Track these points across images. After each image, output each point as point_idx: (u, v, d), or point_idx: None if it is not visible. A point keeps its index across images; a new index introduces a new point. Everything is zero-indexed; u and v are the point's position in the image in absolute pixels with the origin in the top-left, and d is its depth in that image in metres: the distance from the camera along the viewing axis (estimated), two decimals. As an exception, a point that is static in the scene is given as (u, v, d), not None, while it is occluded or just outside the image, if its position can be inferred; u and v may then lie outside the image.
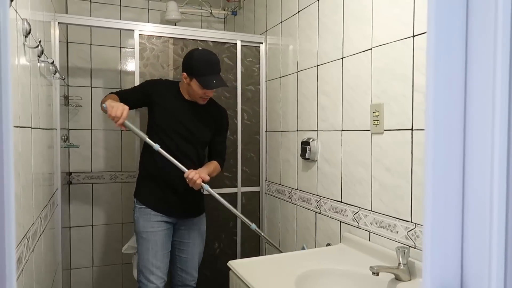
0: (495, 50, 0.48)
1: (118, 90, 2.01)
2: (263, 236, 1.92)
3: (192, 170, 1.79)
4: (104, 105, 1.72)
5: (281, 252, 1.91)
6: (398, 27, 1.37)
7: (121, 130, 2.86)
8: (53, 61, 1.55)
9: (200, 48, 1.96)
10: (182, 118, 1.90)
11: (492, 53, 0.48)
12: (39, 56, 1.42)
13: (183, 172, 1.80)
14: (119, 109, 1.67)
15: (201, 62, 1.81)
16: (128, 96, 1.90)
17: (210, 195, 1.87)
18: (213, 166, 1.95)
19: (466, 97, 0.52)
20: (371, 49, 1.51)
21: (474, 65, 0.51)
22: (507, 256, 0.49)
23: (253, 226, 1.90)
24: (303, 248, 1.93)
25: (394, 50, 1.39)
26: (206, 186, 1.81)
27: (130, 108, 1.90)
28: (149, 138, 1.88)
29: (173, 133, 1.88)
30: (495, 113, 0.48)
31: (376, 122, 1.47)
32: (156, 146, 1.79)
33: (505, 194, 0.48)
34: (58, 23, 2.00)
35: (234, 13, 2.97)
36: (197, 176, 1.77)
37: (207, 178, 1.82)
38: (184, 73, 1.86)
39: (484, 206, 0.50)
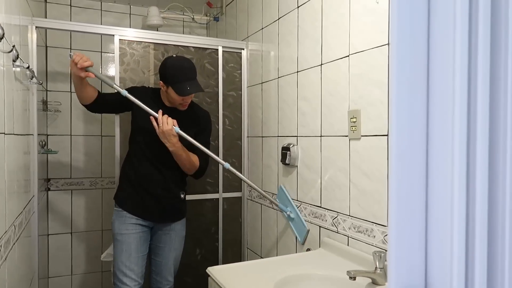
0: (454, 58, 0.50)
1: None
2: (237, 174, 1.94)
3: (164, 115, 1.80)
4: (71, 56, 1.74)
5: (264, 195, 1.97)
6: (374, 35, 1.39)
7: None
8: (29, 66, 1.53)
9: (174, 55, 1.96)
10: None
11: (451, 61, 0.50)
12: (14, 61, 1.39)
13: (162, 179, 1.82)
14: (85, 57, 1.71)
15: (175, 69, 1.82)
16: (108, 97, 1.94)
17: (191, 201, 1.87)
18: (191, 154, 1.93)
19: (429, 102, 0.53)
20: (348, 56, 1.53)
21: (436, 70, 0.53)
22: (468, 259, 0.50)
23: (227, 165, 1.92)
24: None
25: (371, 57, 1.41)
26: (177, 129, 1.80)
27: (109, 110, 2.00)
28: (132, 143, 1.90)
29: (154, 139, 1.87)
30: (455, 121, 0.50)
31: (353, 128, 1.49)
32: (124, 92, 1.81)
33: (465, 198, 0.50)
34: (36, 27, 1.97)
35: (216, 19, 2.97)
36: (170, 120, 1.78)
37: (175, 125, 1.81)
38: (161, 82, 1.88)
39: (446, 210, 0.51)
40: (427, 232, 0.54)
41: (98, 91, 1.92)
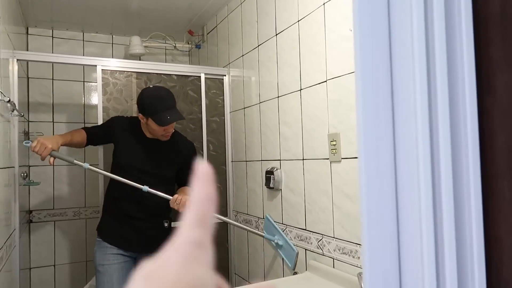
0: (414, 82, 0.53)
1: (89, 126, 2.02)
2: (224, 220, 1.94)
3: (175, 195, 1.80)
4: (28, 142, 1.73)
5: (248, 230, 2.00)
6: (350, 61, 1.45)
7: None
8: (10, 100, 1.53)
9: (150, 86, 1.97)
10: (143, 156, 1.89)
11: (412, 86, 0.53)
12: (-5, 95, 1.40)
13: (143, 209, 1.82)
14: (42, 145, 1.69)
15: (152, 100, 1.79)
16: (94, 132, 1.94)
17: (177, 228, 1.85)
18: (188, 191, 1.94)
19: (394, 127, 0.56)
20: (326, 81, 1.58)
21: (399, 93, 0.56)
22: (438, 274, 0.52)
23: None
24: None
25: (348, 82, 1.46)
26: None
27: (99, 144, 1.99)
28: (114, 173, 1.89)
29: (135, 171, 1.86)
30: (419, 145, 0.53)
31: (334, 150, 1.53)
32: (86, 165, 1.79)
33: (433, 225, 0.52)
34: (17, 60, 1.98)
35: (198, 47, 3.03)
36: (184, 199, 1.77)
37: None
38: (140, 114, 1.85)
39: (415, 232, 0.53)
40: (400, 255, 0.56)
41: (86, 132, 1.91)
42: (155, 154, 1.91)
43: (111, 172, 1.94)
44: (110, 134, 1.92)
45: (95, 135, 1.94)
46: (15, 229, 1.92)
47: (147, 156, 1.90)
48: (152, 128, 1.84)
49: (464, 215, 0.55)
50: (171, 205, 1.79)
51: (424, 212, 0.53)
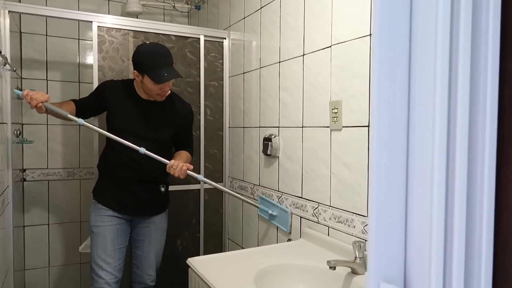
0: (435, 48, 0.49)
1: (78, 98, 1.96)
2: (214, 185, 1.90)
3: (172, 160, 1.76)
4: (17, 91, 1.64)
5: (244, 200, 1.98)
6: (356, 26, 1.39)
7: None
8: (1, 52, 1.47)
9: (147, 42, 1.89)
10: (138, 119, 1.85)
11: (433, 51, 0.50)
12: (-15, 46, 1.34)
13: (140, 173, 1.79)
14: (36, 93, 1.59)
15: (149, 55, 1.72)
16: (84, 103, 1.87)
17: (173, 191, 1.84)
18: (184, 155, 1.93)
19: (410, 95, 0.53)
20: (330, 46, 1.53)
21: (417, 63, 0.52)
22: (446, 251, 0.51)
23: (200, 176, 1.85)
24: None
25: (352, 48, 1.41)
26: (197, 175, 1.80)
27: (90, 115, 1.91)
28: (108, 142, 1.87)
29: (130, 134, 1.81)
30: (436, 112, 0.50)
31: (335, 119, 1.49)
32: (80, 121, 1.70)
33: (444, 192, 0.50)
34: (9, 11, 1.90)
35: (198, 8, 2.92)
36: (180, 165, 1.74)
37: (191, 166, 1.78)
38: (135, 71, 1.77)
39: (425, 203, 0.51)
40: (406, 223, 0.54)
41: (75, 103, 1.83)
42: (151, 116, 1.87)
43: (106, 139, 1.90)
44: (102, 99, 1.85)
45: (85, 105, 1.86)
46: (8, 186, 1.90)
47: (143, 119, 1.86)
48: (147, 87, 1.78)
49: (476, 193, 0.53)
50: (168, 170, 1.77)
51: (436, 190, 0.50)
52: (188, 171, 1.77)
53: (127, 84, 1.91)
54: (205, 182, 1.90)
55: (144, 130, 1.85)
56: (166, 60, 1.76)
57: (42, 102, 1.59)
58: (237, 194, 1.97)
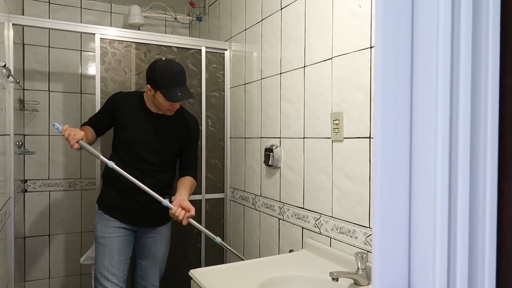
0: (437, 60, 0.50)
1: (89, 117, 2.00)
2: (229, 249, 1.88)
3: (177, 207, 1.76)
4: (57, 125, 1.70)
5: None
6: (357, 38, 1.41)
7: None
8: (5, 64, 1.48)
9: (163, 58, 1.91)
10: (147, 130, 1.87)
11: (434, 63, 0.51)
12: (-10, 59, 1.35)
13: (146, 185, 1.79)
14: (75, 130, 1.68)
15: (165, 74, 1.74)
16: (96, 121, 1.93)
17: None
18: (189, 183, 1.91)
19: (412, 107, 0.54)
20: (331, 58, 1.54)
21: (420, 72, 0.53)
22: (450, 260, 0.51)
23: (218, 239, 1.85)
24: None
25: (353, 60, 1.43)
26: (192, 221, 1.81)
27: (104, 131, 1.96)
28: (115, 153, 1.89)
29: (139, 146, 1.84)
30: (438, 123, 0.50)
31: (336, 130, 1.50)
32: (111, 164, 1.76)
33: (447, 201, 0.51)
34: (13, 24, 1.92)
35: (199, 19, 2.95)
36: (183, 213, 1.75)
37: (193, 213, 1.78)
38: (148, 85, 1.80)
39: (429, 212, 0.52)
40: (410, 235, 0.55)
41: (91, 126, 1.90)
42: (160, 128, 1.89)
43: (113, 148, 1.92)
44: (115, 112, 1.88)
45: (101, 123, 1.92)
46: (10, 197, 1.90)
47: (152, 131, 1.87)
48: (158, 102, 1.80)
49: (478, 205, 0.54)
50: (170, 215, 1.78)
51: (439, 197, 0.51)
52: (190, 220, 1.78)
53: (136, 96, 1.93)
54: (221, 244, 1.87)
55: (153, 142, 1.86)
56: (180, 79, 1.78)
57: (78, 142, 1.68)
58: (209, 233, 1.88)
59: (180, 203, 1.77)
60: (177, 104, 1.84)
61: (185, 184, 1.89)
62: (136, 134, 1.85)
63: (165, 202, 1.78)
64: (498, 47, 0.53)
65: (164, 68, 1.76)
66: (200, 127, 2.38)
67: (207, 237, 2.40)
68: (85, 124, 1.93)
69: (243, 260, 1.91)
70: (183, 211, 1.75)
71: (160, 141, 1.88)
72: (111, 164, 1.76)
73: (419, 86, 0.53)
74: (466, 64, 0.52)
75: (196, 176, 2.01)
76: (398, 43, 0.54)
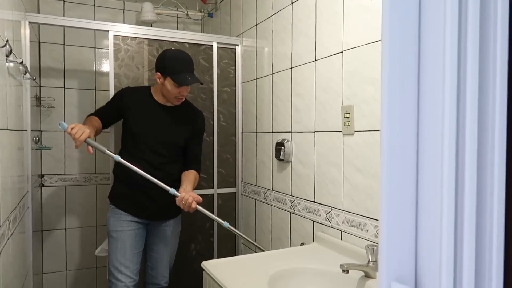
0: (444, 55, 0.51)
1: (95, 109, 2.04)
2: (237, 232, 1.93)
3: (184, 193, 1.79)
4: (63, 124, 1.71)
5: (257, 246, 1.96)
6: (368, 32, 1.41)
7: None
8: (22, 61, 1.52)
9: (172, 48, 1.97)
10: (155, 122, 1.90)
11: (441, 58, 0.51)
12: (7, 56, 1.39)
13: (156, 178, 1.82)
14: (80, 129, 1.68)
15: (175, 60, 1.82)
16: (104, 113, 1.96)
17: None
18: (193, 177, 1.95)
19: (419, 100, 0.55)
20: (342, 52, 1.54)
21: (427, 68, 0.54)
22: (456, 251, 0.52)
23: (226, 224, 1.91)
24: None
25: (364, 53, 1.43)
26: (200, 207, 1.84)
27: (110, 123, 2.00)
28: (124, 148, 1.93)
29: (147, 138, 1.88)
30: (445, 117, 0.51)
31: (347, 123, 1.51)
32: (117, 157, 1.79)
33: (454, 193, 0.51)
34: (29, 22, 1.96)
35: (210, 15, 2.97)
36: (191, 198, 1.78)
37: (201, 199, 1.83)
38: (158, 73, 1.86)
39: (435, 204, 0.52)
40: (417, 225, 0.55)
41: (98, 117, 1.93)
42: (167, 120, 1.93)
43: (122, 143, 1.96)
44: (121, 106, 1.92)
45: (107, 115, 1.96)
46: (28, 191, 1.95)
47: (160, 122, 1.91)
48: (167, 90, 1.85)
49: (486, 195, 0.54)
50: (177, 203, 1.81)
51: (446, 192, 0.51)
52: (197, 206, 1.82)
53: (144, 90, 1.98)
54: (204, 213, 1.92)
55: (161, 133, 1.90)
56: (189, 66, 1.86)
57: (85, 140, 1.69)
58: (219, 219, 1.96)
59: (187, 193, 1.81)
60: (185, 92, 1.87)
61: (188, 178, 1.93)
62: (144, 125, 1.89)
63: (172, 190, 1.81)
64: (507, 38, 0.53)
65: (173, 55, 1.84)
66: (212, 122, 2.40)
67: (219, 231, 2.43)
68: (92, 114, 1.95)
69: (252, 242, 1.95)
70: (190, 197, 1.78)
71: (168, 132, 1.92)
72: (117, 157, 1.79)
73: (426, 77, 0.54)
74: (474, 55, 0.52)
75: (200, 170, 2.04)
76: (405, 36, 0.54)
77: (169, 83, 1.82)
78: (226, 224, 1.90)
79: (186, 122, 1.97)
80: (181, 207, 1.80)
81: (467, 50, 0.52)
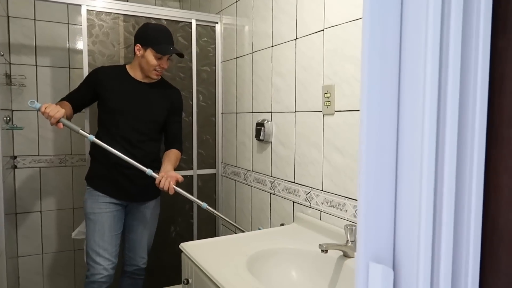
0: (426, 32, 0.49)
1: (66, 94, 1.97)
2: (215, 213, 1.93)
3: (161, 175, 1.76)
4: (35, 103, 1.67)
5: (237, 227, 1.96)
6: (349, 9, 1.38)
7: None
8: (-13, 35, 1.43)
9: (152, 21, 1.95)
10: (133, 98, 1.86)
11: (424, 26, 0.49)
12: (-30, 29, 1.30)
13: (134, 159, 1.79)
14: (54, 108, 1.65)
15: (158, 31, 1.84)
16: (76, 96, 1.90)
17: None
18: (174, 156, 1.92)
19: (400, 78, 0.53)
20: (323, 30, 1.51)
21: (408, 44, 0.52)
22: (435, 231, 0.51)
23: (204, 205, 1.90)
24: (259, 229, 1.94)
25: (345, 31, 1.40)
26: (177, 189, 1.81)
27: (83, 106, 1.95)
28: (101, 127, 1.89)
29: (126, 115, 1.83)
30: (426, 96, 0.49)
31: (327, 103, 1.49)
32: (91, 137, 1.77)
33: (434, 173, 0.50)
34: (-5, -6, 1.85)
35: (189, -9, 2.88)
36: (168, 181, 1.75)
37: (181, 178, 1.79)
38: (138, 45, 1.84)
39: (414, 184, 0.51)
40: (396, 205, 0.54)
41: (70, 102, 1.86)
42: (145, 96, 1.90)
43: (98, 122, 1.90)
44: (96, 85, 1.86)
45: (79, 98, 1.89)
46: (-2, 173, 1.88)
47: (138, 99, 1.88)
48: (147, 61, 1.83)
49: (465, 170, 0.53)
50: (156, 185, 1.78)
51: (425, 171, 0.50)
52: (175, 188, 1.79)
53: (119, 68, 1.94)
54: (206, 208, 1.91)
55: (139, 110, 1.87)
56: (171, 39, 1.88)
57: (59, 120, 1.66)
58: (198, 201, 1.93)
59: (166, 174, 1.78)
60: (165, 64, 1.87)
61: (169, 157, 1.90)
62: (121, 102, 1.85)
63: (149, 171, 1.79)
64: (490, 9, 0.51)
65: (156, 27, 1.88)
66: (191, 102, 2.35)
67: (199, 212, 2.41)
68: (62, 99, 1.89)
69: (231, 223, 1.96)
70: (168, 179, 1.75)
71: (145, 108, 1.88)
72: (91, 137, 1.77)
73: (408, 50, 0.52)
74: (457, 29, 0.50)
75: (181, 149, 2.01)
76: (386, 14, 0.52)
77: (150, 55, 1.82)
78: (204, 205, 1.89)
79: (164, 99, 1.94)
80: (160, 188, 1.77)
81: (450, 27, 0.50)
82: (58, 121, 1.66)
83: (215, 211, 1.95)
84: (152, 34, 1.81)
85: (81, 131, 1.75)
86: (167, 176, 1.76)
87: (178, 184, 1.81)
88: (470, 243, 0.54)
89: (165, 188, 1.75)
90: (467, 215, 0.54)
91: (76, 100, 1.88)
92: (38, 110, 1.67)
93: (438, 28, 0.50)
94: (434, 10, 0.49)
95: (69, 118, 1.82)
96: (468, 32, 0.52)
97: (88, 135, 1.76)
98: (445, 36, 0.49)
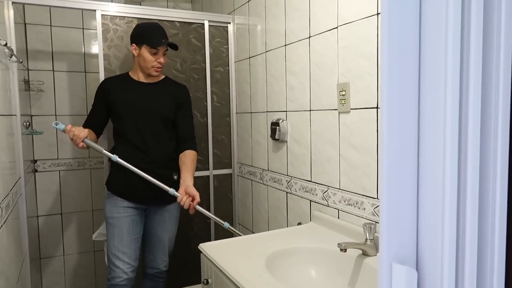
0: (446, 24, 0.48)
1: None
2: (237, 233, 1.92)
3: (183, 195, 1.79)
4: (60, 124, 1.72)
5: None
6: (363, 5, 1.36)
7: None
8: (6, 43, 1.47)
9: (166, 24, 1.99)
10: (138, 99, 1.90)
11: (444, 26, 0.48)
12: (-10, 38, 1.34)
13: (152, 163, 1.84)
14: (79, 129, 1.73)
15: (148, 27, 1.88)
16: (93, 116, 1.94)
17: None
18: (190, 160, 1.92)
19: (420, 73, 0.52)
20: (337, 27, 1.50)
21: (427, 39, 0.51)
22: (459, 232, 0.50)
23: (226, 224, 1.91)
24: (223, 224, 1.93)
25: (359, 28, 1.39)
26: (199, 208, 1.84)
27: (103, 126, 1.98)
28: (116, 134, 1.92)
29: (135, 115, 1.87)
30: (447, 91, 0.48)
31: (342, 101, 1.48)
32: (114, 157, 1.81)
33: (457, 172, 0.49)
34: (12, 2, 1.89)
35: (201, -8, 2.89)
36: (189, 201, 1.79)
37: (198, 200, 1.82)
38: (133, 45, 1.88)
39: (437, 183, 0.50)
40: (418, 204, 0.54)
41: (91, 128, 1.91)
42: (150, 93, 1.92)
43: (114, 132, 1.93)
44: (105, 96, 1.91)
45: (98, 119, 1.93)
46: (20, 177, 1.92)
47: (143, 97, 1.91)
48: (143, 59, 1.86)
49: (489, 172, 0.52)
50: (178, 201, 1.81)
51: (448, 170, 0.49)
52: (197, 207, 1.82)
53: (122, 75, 1.99)
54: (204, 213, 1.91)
55: (146, 109, 1.89)
56: (163, 33, 1.90)
57: (83, 140, 1.72)
58: (217, 219, 1.94)
59: (186, 190, 1.81)
60: (162, 59, 1.89)
61: (185, 164, 1.90)
62: (128, 105, 1.88)
63: (172, 191, 1.82)
64: None
65: (146, 24, 1.92)
66: (205, 103, 2.36)
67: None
68: (84, 127, 1.91)
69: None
70: (188, 200, 1.79)
71: (152, 106, 1.90)
72: (115, 158, 1.81)
73: (427, 50, 0.51)
74: (478, 26, 0.49)
75: (195, 147, 2.00)
76: (405, 7, 0.51)
77: (145, 51, 1.86)
78: (226, 224, 1.91)
79: (169, 94, 1.96)
80: (182, 206, 1.81)
81: (471, 23, 0.49)
82: (82, 141, 1.72)
83: (237, 231, 1.96)
84: (143, 31, 1.86)
85: (104, 151, 1.80)
86: (187, 198, 1.79)
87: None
88: (495, 242, 0.53)
89: (186, 207, 1.79)
90: (491, 212, 0.53)
91: (94, 119, 1.92)
92: (63, 131, 1.73)
93: (459, 24, 0.49)
94: (454, 7, 0.48)
95: (93, 141, 1.86)
96: (489, 28, 0.51)
97: (112, 155, 1.81)
98: (466, 33, 0.49)
